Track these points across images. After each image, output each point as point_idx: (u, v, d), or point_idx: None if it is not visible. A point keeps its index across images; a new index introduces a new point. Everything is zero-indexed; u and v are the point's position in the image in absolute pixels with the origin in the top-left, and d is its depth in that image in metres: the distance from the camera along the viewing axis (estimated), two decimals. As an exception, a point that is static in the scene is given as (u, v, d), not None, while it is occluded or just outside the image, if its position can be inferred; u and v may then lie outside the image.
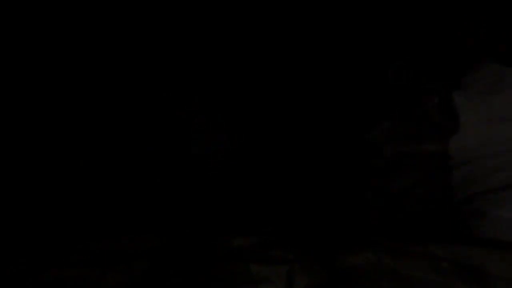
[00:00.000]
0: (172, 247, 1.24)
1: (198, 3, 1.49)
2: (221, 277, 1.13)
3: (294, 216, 1.40)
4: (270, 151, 1.49)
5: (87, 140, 1.47)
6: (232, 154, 1.49)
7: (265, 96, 1.51)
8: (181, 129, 1.49)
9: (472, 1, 1.42)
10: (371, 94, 1.42)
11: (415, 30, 1.45)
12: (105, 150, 1.47)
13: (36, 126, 1.47)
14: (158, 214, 1.42)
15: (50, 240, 1.28)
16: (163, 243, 1.26)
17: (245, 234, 1.31)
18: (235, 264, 1.16)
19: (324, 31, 1.50)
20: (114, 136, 1.48)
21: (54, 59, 1.48)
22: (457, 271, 1.11)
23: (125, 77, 1.50)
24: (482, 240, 1.21)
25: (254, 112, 1.51)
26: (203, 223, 1.40)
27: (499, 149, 1.28)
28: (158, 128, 1.49)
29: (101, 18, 1.48)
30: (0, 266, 1.17)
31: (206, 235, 1.30)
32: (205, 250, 1.22)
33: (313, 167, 1.43)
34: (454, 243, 1.18)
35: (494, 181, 1.26)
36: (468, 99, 1.32)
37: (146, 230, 1.33)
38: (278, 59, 1.51)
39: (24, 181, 1.43)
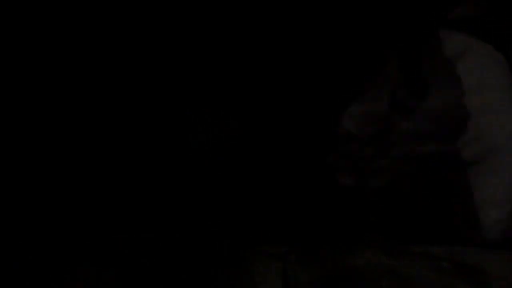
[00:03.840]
0: (171, 247, 1.25)
1: (200, 5, 1.50)
2: (220, 277, 1.13)
3: (295, 215, 1.40)
4: (271, 149, 1.49)
5: (86, 138, 1.47)
6: (232, 152, 1.49)
7: (266, 94, 1.51)
8: (181, 128, 1.49)
9: None
10: (375, 92, 1.42)
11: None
12: (105, 149, 1.47)
13: (36, 124, 1.47)
14: (158, 213, 1.42)
15: (50, 240, 1.28)
16: (163, 243, 1.26)
17: (245, 233, 1.31)
18: (234, 264, 1.16)
19: (318, 29, 1.50)
20: (114, 134, 1.48)
21: (57, 60, 1.48)
22: (457, 271, 1.11)
23: (124, 72, 1.50)
24: (481, 240, 1.22)
25: (255, 111, 1.51)
26: (203, 221, 1.40)
27: (493, 124, 1.28)
28: (157, 126, 1.49)
29: (106, 18, 1.48)
30: (1, 266, 1.18)
31: (205, 234, 1.30)
32: (204, 249, 1.22)
33: (314, 166, 1.43)
34: (454, 244, 1.18)
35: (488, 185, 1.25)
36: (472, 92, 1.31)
37: (146, 230, 1.33)
38: (277, 60, 1.51)
39: (23, 181, 1.43)
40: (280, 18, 1.49)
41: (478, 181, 1.26)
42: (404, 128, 1.32)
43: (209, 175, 1.48)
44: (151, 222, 1.38)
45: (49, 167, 1.45)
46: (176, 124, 1.50)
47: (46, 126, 1.46)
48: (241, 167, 1.49)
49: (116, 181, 1.46)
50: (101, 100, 1.48)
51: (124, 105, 1.49)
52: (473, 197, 1.26)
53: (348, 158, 1.37)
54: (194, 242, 1.27)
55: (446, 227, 1.26)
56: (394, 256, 1.15)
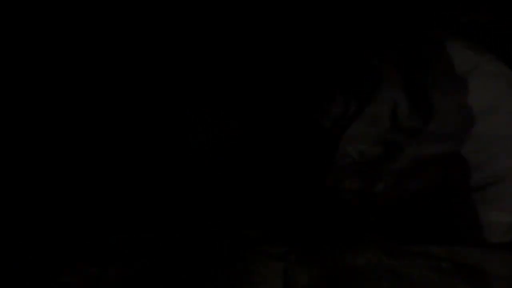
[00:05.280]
0: (171, 247, 1.25)
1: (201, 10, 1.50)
2: (220, 277, 1.13)
3: (295, 215, 1.40)
4: (270, 149, 1.49)
5: (86, 139, 1.47)
6: (232, 152, 1.49)
7: (266, 95, 1.51)
8: (181, 128, 1.49)
9: None
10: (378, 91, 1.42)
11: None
12: (105, 149, 1.47)
13: (36, 124, 1.47)
14: (158, 213, 1.42)
15: (50, 240, 1.28)
16: (163, 243, 1.26)
17: (244, 234, 1.31)
18: (234, 264, 1.16)
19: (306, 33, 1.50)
20: (114, 134, 1.48)
21: (57, 60, 1.48)
22: (457, 271, 1.11)
23: (124, 73, 1.50)
24: (481, 240, 1.22)
25: (255, 111, 1.51)
26: (203, 221, 1.40)
27: (495, 145, 1.28)
28: (158, 126, 1.49)
29: (107, 19, 1.48)
30: (2, 265, 1.18)
31: (205, 234, 1.30)
32: (204, 249, 1.22)
33: (314, 167, 1.43)
34: (454, 244, 1.18)
35: (492, 188, 1.25)
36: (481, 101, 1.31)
37: (146, 230, 1.33)
38: (275, 60, 1.51)
39: (23, 181, 1.43)
40: (284, 24, 1.50)
41: (485, 202, 1.26)
42: (403, 129, 1.32)
43: (209, 175, 1.48)
44: (151, 222, 1.38)
45: (49, 167, 1.45)
46: (176, 124, 1.50)
47: (46, 126, 1.46)
48: (241, 167, 1.49)
49: (116, 181, 1.46)
50: (101, 100, 1.48)
51: (125, 105, 1.49)
52: (473, 197, 1.26)
53: (351, 161, 1.37)
54: (194, 242, 1.27)
55: (446, 227, 1.26)
56: (394, 256, 1.15)
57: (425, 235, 1.25)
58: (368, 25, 1.47)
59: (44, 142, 1.46)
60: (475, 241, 1.22)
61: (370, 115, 1.35)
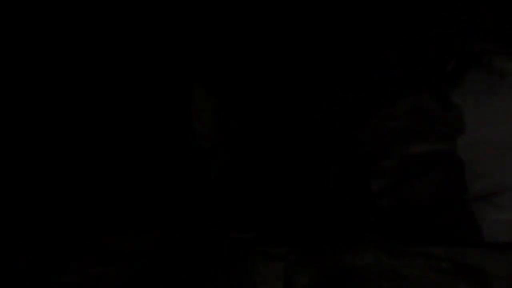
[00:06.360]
0: (171, 247, 1.25)
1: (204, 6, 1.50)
2: (220, 277, 1.13)
3: (295, 215, 1.40)
4: (271, 150, 1.49)
5: (87, 139, 1.47)
6: (234, 152, 1.49)
7: (268, 95, 1.51)
8: (183, 128, 1.49)
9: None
10: (368, 93, 1.42)
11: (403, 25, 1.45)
12: (105, 149, 1.47)
13: (36, 124, 1.47)
14: (158, 213, 1.42)
15: (50, 240, 1.28)
16: (163, 243, 1.26)
17: (245, 234, 1.31)
18: (234, 264, 1.16)
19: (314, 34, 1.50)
20: (114, 134, 1.48)
21: (57, 60, 1.48)
22: (457, 271, 1.11)
23: (124, 73, 1.50)
24: (481, 240, 1.22)
25: (257, 112, 1.51)
26: (203, 221, 1.40)
27: (497, 152, 1.28)
28: (159, 126, 1.49)
29: (106, 18, 1.48)
30: (2, 265, 1.18)
31: (205, 234, 1.30)
32: (204, 249, 1.22)
33: (314, 167, 1.43)
34: (453, 244, 1.18)
35: (492, 185, 1.25)
36: (467, 98, 1.31)
37: (146, 230, 1.33)
38: (278, 61, 1.51)
39: (24, 181, 1.43)
40: (284, 23, 1.50)
41: (485, 202, 1.26)
42: (402, 128, 1.33)
43: (209, 175, 1.48)
44: (151, 222, 1.38)
45: (49, 167, 1.45)
46: (176, 124, 1.50)
47: (46, 126, 1.46)
48: (241, 167, 1.49)
49: (116, 181, 1.46)
50: (101, 100, 1.48)
51: (124, 105, 1.49)
52: (472, 197, 1.26)
53: (349, 160, 1.37)
54: (194, 242, 1.27)
55: (445, 227, 1.26)
56: (394, 256, 1.15)
57: (425, 235, 1.25)
58: (368, 25, 1.47)
59: (43, 142, 1.46)
60: (475, 241, 1.22)
61: (366, 114, 1.36)
